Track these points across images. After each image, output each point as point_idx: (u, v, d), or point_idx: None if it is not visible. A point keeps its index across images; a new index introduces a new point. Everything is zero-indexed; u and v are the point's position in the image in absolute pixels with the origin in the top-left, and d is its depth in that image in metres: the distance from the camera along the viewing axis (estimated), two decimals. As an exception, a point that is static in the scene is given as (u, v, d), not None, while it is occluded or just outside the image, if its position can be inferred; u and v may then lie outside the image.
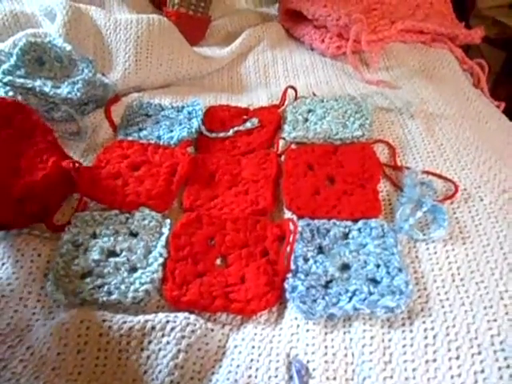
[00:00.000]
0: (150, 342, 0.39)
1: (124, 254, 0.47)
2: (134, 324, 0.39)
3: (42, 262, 0.46)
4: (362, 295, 0.41)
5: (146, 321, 0.40)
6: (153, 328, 0.39)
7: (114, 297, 0.43)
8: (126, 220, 0.50)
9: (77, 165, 0.53)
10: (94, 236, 0.49)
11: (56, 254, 0.46)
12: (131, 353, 0.38)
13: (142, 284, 0.44)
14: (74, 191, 0.53)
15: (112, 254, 0.47)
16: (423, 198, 0.50)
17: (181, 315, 0.41)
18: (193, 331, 0.39)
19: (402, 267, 0.43)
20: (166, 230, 0.50)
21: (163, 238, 0.49)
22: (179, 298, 0.43)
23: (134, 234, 0.49)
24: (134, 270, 0.46)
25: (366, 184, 0.54)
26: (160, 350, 0.38)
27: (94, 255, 0.46)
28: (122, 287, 0.43)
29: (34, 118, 0.52)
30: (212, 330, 0.40)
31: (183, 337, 0.39)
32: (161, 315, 0.41)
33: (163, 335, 0.39)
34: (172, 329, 0.39)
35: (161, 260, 0.46)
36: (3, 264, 0.45)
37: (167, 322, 0.40)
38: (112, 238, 0.48)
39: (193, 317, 0.41)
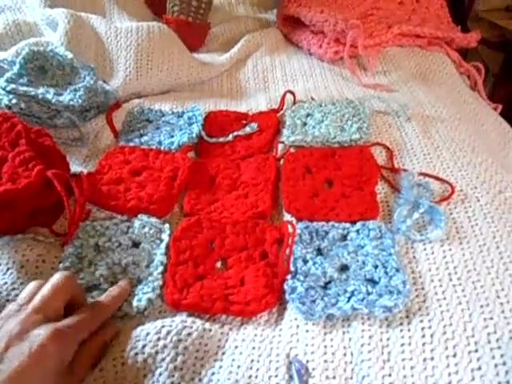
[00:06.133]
0: (144, 346, 0.39)
1: (129, 268, 0.47)
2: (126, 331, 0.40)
3: (46, 268, 0.47)
4: (361, 295, 0.42)
5: (142, 330, 0.40)
6: (147, 334, 0.40)
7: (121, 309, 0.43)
8: (127, 229, 0.51)
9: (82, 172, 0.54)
10: (97, 248, 0.49)
11: (60, 267, 0.46)
12: (126, 358, 0.38)
13: (144, 293, 0.44)
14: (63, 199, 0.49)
15: (118, 267, 0.47)
16: (420, 199, 0.50)
17: (177, 319, 0.41)
18: (189, 334, 0.40)
19: (400, 267, 0.44)
20: (165, 236, 0.50)
21: (163, 246, 0.49)
22: (180, 301, 0.43)
23: (136, 244, 0.50)
24: (139, 282, 0.46)
25: (363, 186, 0.54)
26: (157, 352, 0.38)
27: (102, 270, 0.46)
28: (128, 299, 0.44)
29: (18, 128, 0.51)
30: (210, 331, 0.41)
31: (180, 340, 0.39)
32: (156, 322, 0.41)
33: (159, 339, 0.39)
34: (168, 332, 0.39)
35: (161, 268, 0.47)
36: (8, 269, 0.46)
37: (162, 326, 0.40)
38: (116, 252, 0.48)
39: (189, 319, 0.41)
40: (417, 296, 0.42)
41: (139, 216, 0.52)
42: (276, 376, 0.37)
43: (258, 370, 0.38)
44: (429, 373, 0.36)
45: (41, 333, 0.33)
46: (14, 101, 0.61)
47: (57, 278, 0.39)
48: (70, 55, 0.69)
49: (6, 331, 0.34)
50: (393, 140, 0.62)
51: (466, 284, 0.42)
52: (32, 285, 0.39)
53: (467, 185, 0.53)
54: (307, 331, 0.41)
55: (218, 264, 0.48)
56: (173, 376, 0.37)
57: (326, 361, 0.38)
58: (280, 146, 0.64)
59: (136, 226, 0.51)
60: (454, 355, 0.37)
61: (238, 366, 0.38)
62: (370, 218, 0.50)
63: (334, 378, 0.37)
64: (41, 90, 0.62)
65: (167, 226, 0.51)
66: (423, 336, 0.39)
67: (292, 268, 0.45)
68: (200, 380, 0.38)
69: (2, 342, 0.33)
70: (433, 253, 0.46)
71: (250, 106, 0.75)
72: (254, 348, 0.40)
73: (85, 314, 0.38)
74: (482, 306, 0.40)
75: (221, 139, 0.66)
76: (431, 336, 0.38)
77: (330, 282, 0.45)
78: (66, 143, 0.63)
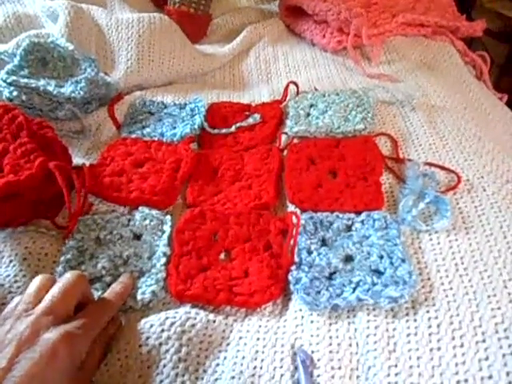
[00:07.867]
0: (148, 338, 0.39)
1: (130, 260, 0.47)
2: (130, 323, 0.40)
3: (48, 262, 0.47)
4: (366, 286, 0.41)
5: (145, 322, 0.40)
6: (151, 326, 0.39)
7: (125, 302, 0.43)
8: (127, 222, 0.50)
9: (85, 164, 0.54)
10: (98, 241, 0.49)
11: (61, 260, 0.46)
12: (130, 350, 0.38)
13: (147, 286, 0.44)
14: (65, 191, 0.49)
15: (119, 259, 0.47)
16: (426, 189, 0.50)
17: (181, 310, 0.41)
18: (193, 325, 0.39)
19: (406, 258, 0.43)
20: (167, 228, 0.50)
21: (165, 237, 0.49)
22: (183, 292, 0.43)
23: (137, 236, 0.50)
24: (141, 274, 0.46)
25: (368, 176, 0.54)
26: (161, 344, 0.38)
27: (103, 263, 0.46)
28: (132, 292, 0.44)
29: (20, 119, 0.51)
30: (214, 322, 0.40)
31: (183, 331, 0.39)
32: (159, 314, 0.41)
33: (163, 330, 0.39)
34: (172, 324, 0.39)
35: (164, 260, 0.46)
36: (11, 261, 0.46)
37: (166, 318, 0.40)
38: (117, 245, 0.48)
39: (193, 311, 0.41)
40: (423, 286, 0.41)
41: (140, 208, 0.52)
42: (281, 367, 0.37)
43: (262, 360, 0.38)
44: (435, 363, 0.36)
45: (51, 336, 0.33)
46: (15, 93, 0.60)
47: (68, 277, 0.38)
48: (70, 47, 0.68)
49: (15, 334, 0.33)
50: (397, 130, 0.61)
51: (472, 274, 0.41)
52: (38, 280, 0.38)
53: (473, 174, 0.52)
54: (312, 322, 0.40)
55: (222, 255, 0.48)
56: (177, 367, 0.37)
57: (331, 351, 0.38)
58: (283, 137, 0.63)
59: (137, 218, 0.50)
60: (461, 345, 0.36)
61: (243, 357, 0.38)
62: (374, 209, 0.50)
63: (339, 368, 0.37)
64: (42, 82, 0.62)
65: (168, 217, 0.51)
66: (430, 326, 0.38)
67: (296, 259, 0.45)
68: (204, 371, 0.37)
69: (12, 346, 0.32)
70: (439, 243, 0.45)
71: (252, 98, 0.74)
72: (258, 339, 0.39)
73: (93, 312, 0.38)
74: (489, 296, 0.39)
75: (223, 130, 0.65)
76: (438, 326, 0.38)
77: (334, 273, 0.44)
78: (67, 135, 0.63)
